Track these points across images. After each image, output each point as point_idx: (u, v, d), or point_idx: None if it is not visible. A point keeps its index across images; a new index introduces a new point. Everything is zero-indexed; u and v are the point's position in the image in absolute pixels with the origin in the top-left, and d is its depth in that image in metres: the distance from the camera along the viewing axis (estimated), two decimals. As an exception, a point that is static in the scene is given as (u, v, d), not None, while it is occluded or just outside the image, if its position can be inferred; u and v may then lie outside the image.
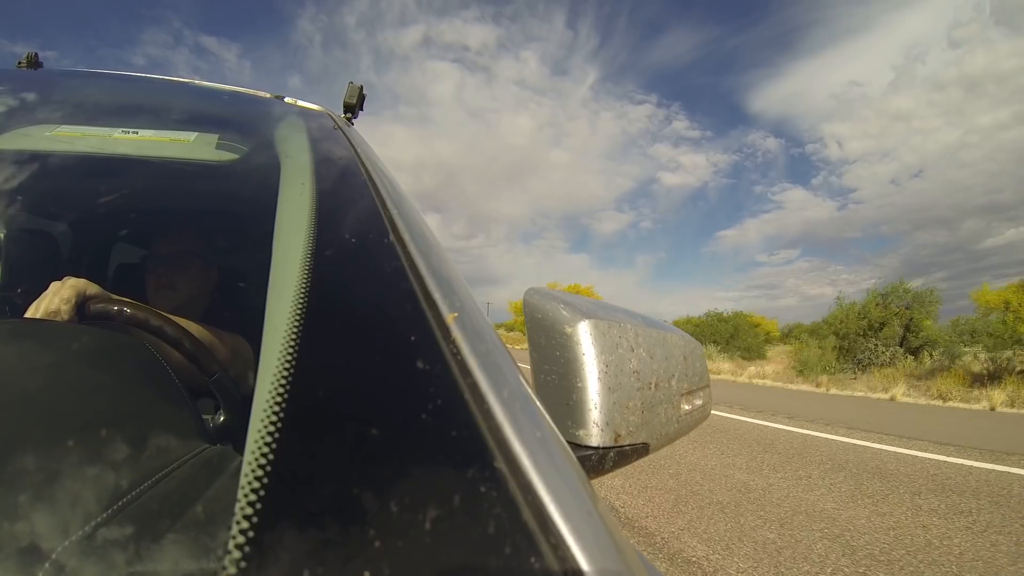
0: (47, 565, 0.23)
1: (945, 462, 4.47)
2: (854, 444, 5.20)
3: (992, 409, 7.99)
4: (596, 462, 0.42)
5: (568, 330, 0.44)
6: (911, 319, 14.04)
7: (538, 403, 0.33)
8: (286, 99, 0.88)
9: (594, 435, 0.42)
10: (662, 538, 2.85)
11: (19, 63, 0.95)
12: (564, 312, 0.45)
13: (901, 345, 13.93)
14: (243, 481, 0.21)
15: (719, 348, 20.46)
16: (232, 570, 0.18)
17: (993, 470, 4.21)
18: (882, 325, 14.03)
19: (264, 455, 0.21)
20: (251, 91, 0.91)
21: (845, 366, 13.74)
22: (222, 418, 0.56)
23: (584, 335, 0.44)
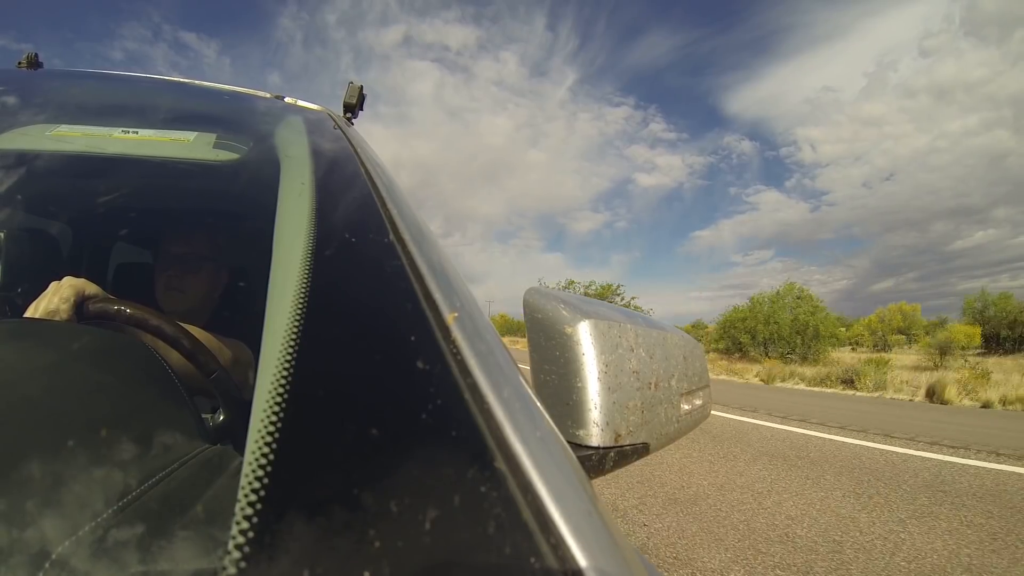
0: (48, 565, 0.23)
1: None
2: None
3: None
4: (596, 462, 0.42)
5: (568, 330, 0.44)
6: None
7: (538, 403, 0.33)
8: (286, 99, 0.88)
9: (594, 435, 0.42)
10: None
11: (19, 63, 0.95)
12: (564, 312, 0.45)
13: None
14: (243, 481, 0.21)
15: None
16: (232, 570, 0.18)
17: None
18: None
19: (264, 455, 0.21)
20: (250, 91, 0.91)
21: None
22: (221, 418, 0.56)
23: (584, 335, 0.44)
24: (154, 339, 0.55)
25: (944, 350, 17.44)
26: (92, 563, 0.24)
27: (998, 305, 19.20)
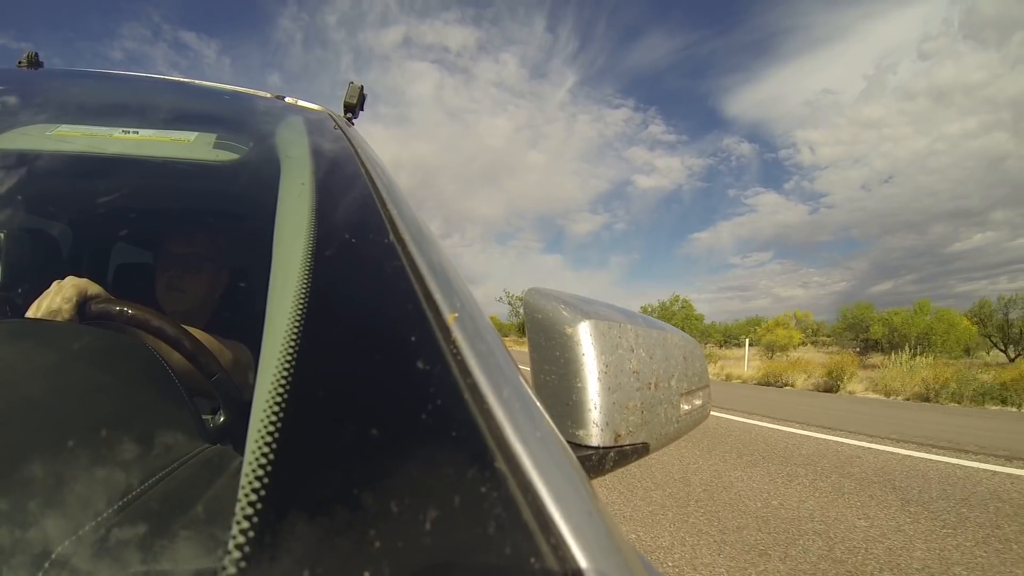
0: (48, 564, 0.23)
1: None
2: None
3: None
4: (596, 462, 0.42)
5: (568, 330, 0.44)
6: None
7: (538, 403, 0.33)
8: (287, 99, 0.88)
9: (594, 435, 0.42)
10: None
11: (19, 63, 0.95)
12: (564, 312, 0.45)
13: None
14: (243, 481, 0.21)
15: None
16: (232, 570, 0.18)
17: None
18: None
19: (264, 455, 0.21)
20: (251, 91, 0.91)
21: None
22: (222, 418, 0.56)
23: (584, 335, 0.44)
24: (155, 340, 0.55)
25: (771, 349, 23.60)
26: (93, 563, 0.24)
27: (855, 314, 23.82)
